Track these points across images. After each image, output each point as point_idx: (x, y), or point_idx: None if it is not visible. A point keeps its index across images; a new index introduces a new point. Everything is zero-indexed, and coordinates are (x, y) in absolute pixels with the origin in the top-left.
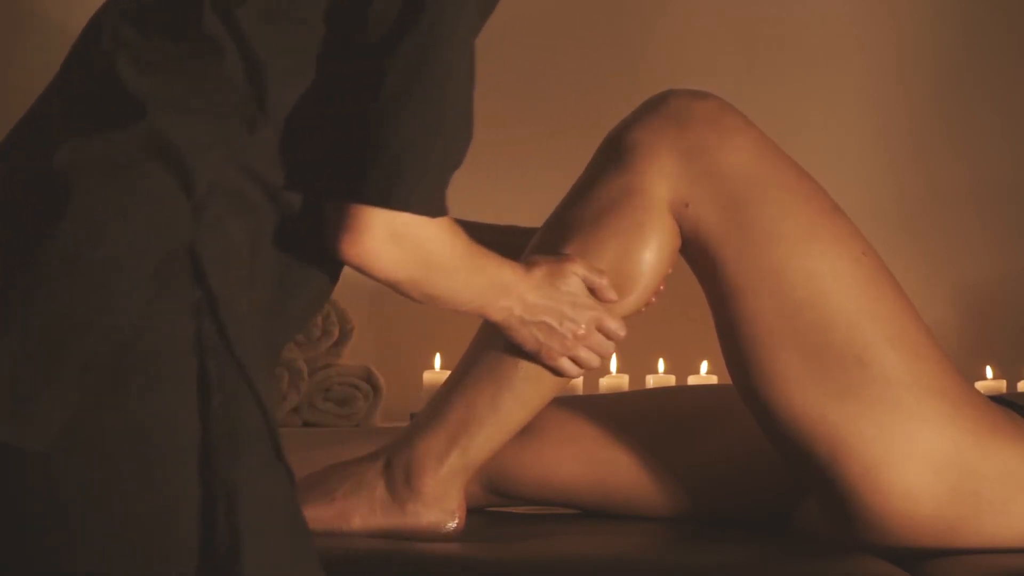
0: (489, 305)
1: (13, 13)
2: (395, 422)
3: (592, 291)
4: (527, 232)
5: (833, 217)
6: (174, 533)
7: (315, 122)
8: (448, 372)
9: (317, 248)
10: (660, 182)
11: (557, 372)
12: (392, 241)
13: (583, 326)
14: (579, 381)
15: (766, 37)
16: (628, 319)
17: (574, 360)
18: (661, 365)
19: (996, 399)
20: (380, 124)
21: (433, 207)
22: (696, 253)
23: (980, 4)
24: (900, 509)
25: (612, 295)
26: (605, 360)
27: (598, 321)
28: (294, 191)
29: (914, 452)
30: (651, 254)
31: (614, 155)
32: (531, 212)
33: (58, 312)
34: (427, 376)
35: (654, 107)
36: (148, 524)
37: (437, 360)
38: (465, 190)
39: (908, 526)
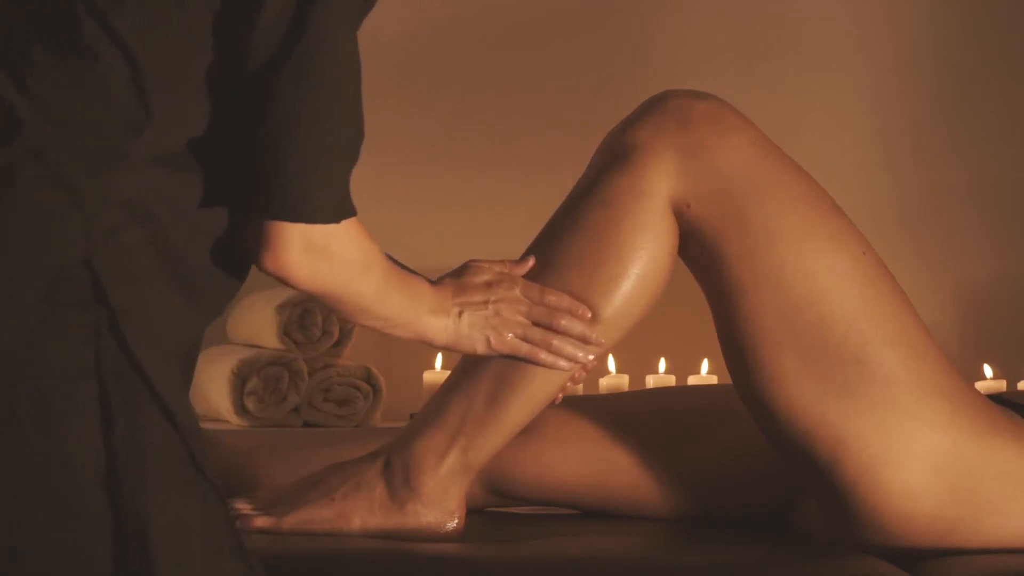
0: (423, 326)
1: None
2: (395, 422)
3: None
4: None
5: (832, 216)
6: (83, 566)
7: (207, 132)
8: (448, 372)
9: (222, 251)
10: (663, 182)
11: (529, 361)
12: (310, 254)
13: (511, 297)
14: None
15: (766, 37)
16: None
17: (533, 341)
18: (662, 365)
19: (996, 399)
20: (277, 139)
21: (340, 211)
22: (696, 252)
23: (980, 4)
24: (899, 508)
25: (521, 268)
26: (582, 345)
27: (526, 289)
28: (194, 200)
29: (913, 451)
30: (660, 256)
31: (616, 155)
32: (531, 211)
33: None
34: (427, 376)
35: (653, 107)
36: (57, 562)
37: (438, 360)
38: (466, 189)
39: (907, 525)
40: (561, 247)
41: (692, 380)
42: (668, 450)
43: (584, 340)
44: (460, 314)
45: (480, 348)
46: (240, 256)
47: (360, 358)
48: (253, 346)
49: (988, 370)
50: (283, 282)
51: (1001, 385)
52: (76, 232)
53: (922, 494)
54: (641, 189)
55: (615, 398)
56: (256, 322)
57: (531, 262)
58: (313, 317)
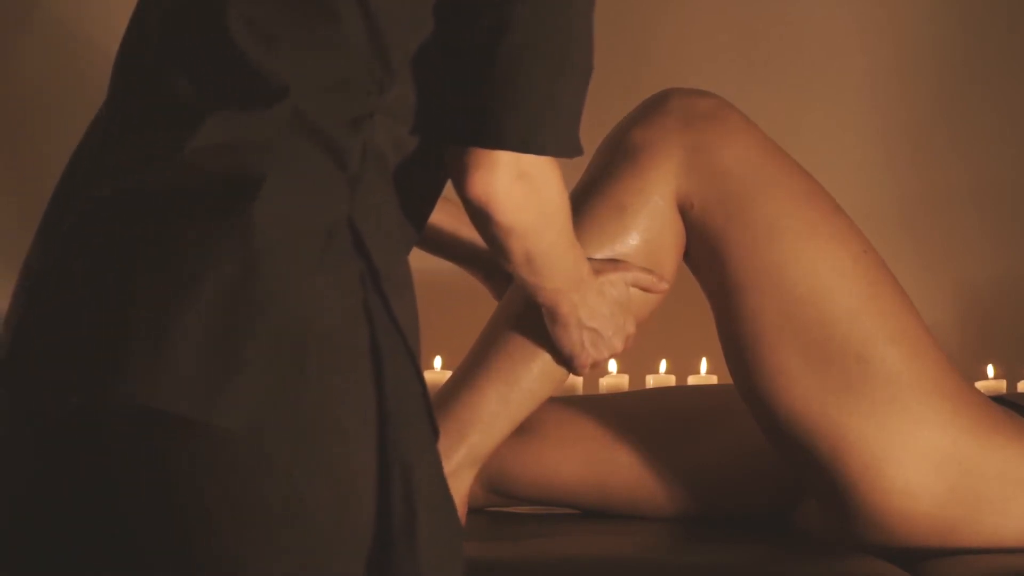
0: (564, 292)
1: (15, 8)
2: None
3: (644, 289)
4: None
5: (833, 215)
6: (354, 508)
7: (433, 71)
8: (448, 373)
9: (415, 197)
10: (671, 182)
11: (576, 372)
12: (519, 180)
13: (625, 332)
14: (579, 381)
15: (766, 37)
16: None
17: (598, 362)
18: (662, 365)
19: (996, 399)
20: (511, 70)
21: (572, 145)
22: (698, 251)
23: (980, 4)
24: (899, 507)
25: (662, 286)
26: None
27: (634, 336)
28: (411, 140)
29: (914, 450)
30: (670, 257)
31: (620, 156)
32: None
33: (240, 293)
34: (427, 376)
35: (656, 106)
36: (329, 501)
37: (437, 361)
38: None
39: (907, 524)
40: None
41: (692, 380)
42: (668, 450)
43: None
44: (591, 314)
45: (569, 350)
46: (418, 204)
47: None
48: None
49: (989, 370)
50: (481, 211)
51: (1001, 385)
52: (342, 191)
53: (922, 493)
54: (650, 190)
55: (615, 398)
56: None
57: (666, 287)
58: None
